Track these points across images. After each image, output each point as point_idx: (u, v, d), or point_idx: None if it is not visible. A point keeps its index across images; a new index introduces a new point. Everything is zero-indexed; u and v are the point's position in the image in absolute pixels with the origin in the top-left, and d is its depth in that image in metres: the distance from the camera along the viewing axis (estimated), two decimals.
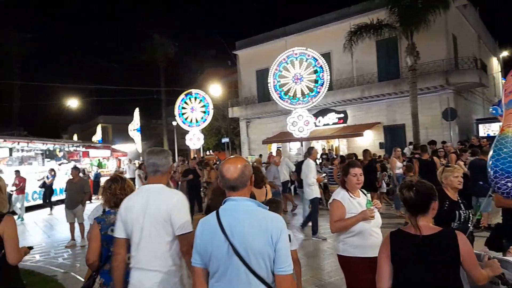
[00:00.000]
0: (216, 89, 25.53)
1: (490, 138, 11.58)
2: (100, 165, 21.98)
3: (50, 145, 17.89)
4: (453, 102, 17.27)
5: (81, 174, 10.79)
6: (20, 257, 2.76)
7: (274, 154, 14.33)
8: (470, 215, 3.46)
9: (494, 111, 4.35)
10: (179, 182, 11.53)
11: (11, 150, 15.44)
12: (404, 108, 18.01)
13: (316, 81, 13.45)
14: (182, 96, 19.65)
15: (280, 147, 23.24)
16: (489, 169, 3.35)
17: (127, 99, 38.96)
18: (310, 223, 8.06)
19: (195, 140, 19.26)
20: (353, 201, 3.33)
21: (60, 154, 18.93)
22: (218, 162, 18.14)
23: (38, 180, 14.04)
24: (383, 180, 10.75)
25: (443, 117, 16.43)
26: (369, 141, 19.68)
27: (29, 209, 13.45)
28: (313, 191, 7.90)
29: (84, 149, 20.91)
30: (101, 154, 23.07)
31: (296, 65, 13.76)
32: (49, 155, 18.06)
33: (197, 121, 19.32)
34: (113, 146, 26.68)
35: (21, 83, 32.48)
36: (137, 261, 2.47)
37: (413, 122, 16.28)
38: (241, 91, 26.14)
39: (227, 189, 2.02)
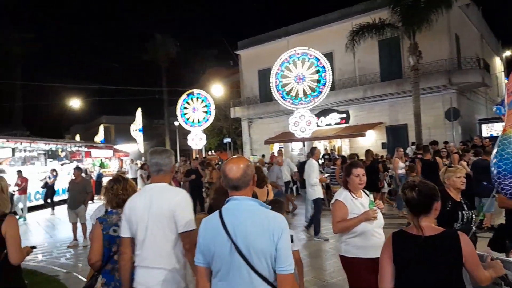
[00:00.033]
0: (218, 89, 25.53)
1: (493, 138, 11.53)
2: (102, 165, 22.02)
3: (52, 145, 17.93)
4: (456, 102, 17.21)
5: (83, 174, 10.83)
6: (22, 257, 2.77)
7: (276, 154, 14.33)
8: (473, 215, 3.45)
9: (498, 111, 4.32)
10: (181, 183, 11.54)
11: (13, 150, 15.48)
12: (406, 108, 17.96)
13: (318, 81, 13.44)
14: (184, 96, 19.68)
15: (282, 147, 23.23)
16: (493, 170, 3.33)
17: (129, 99, 39.02)
18: (313, 222, 8.02)
19: (197, 140, 19.28)
20: (356, 201, 3.32)
21: (63, 154, 18.97)
22: (220, 163, 18.15)
23: (40, 181, 14.07)
24: (384, 181, 10.73)
25: (445, 117, 16.38)
26: (372, 141, 19.64)
27: (31, 209, 13.49)
28: (316, 191, 7.87)
29: (86, 149, 20.95)
30: (103, 154, 23.12)
31: (298, 65, 13.75)
32: (52, 155, 18.11)
33: (199, 121, 19.34)
34: (115, 146, 26.74)
35: (23, 83, 32.58)
36: (142, 259, 2.51)
37: (415, 122, 16.23)
38: (243, 91, 26.13)
39: (229, 189, 2.03)
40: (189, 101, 19.50)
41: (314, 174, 7.82)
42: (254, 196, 2.13)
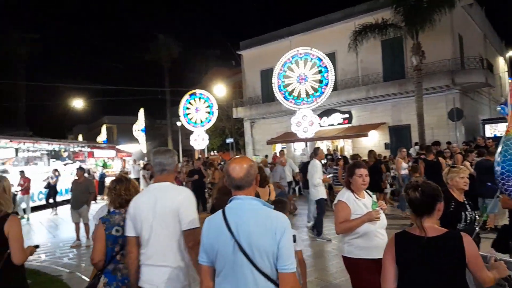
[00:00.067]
0: (220, 89, 25.55)
1: (496, 139, 11.49)
2: (105, 166, 22.08)
3: (55, 146, 18.00)
4: (459, 102, 17.14)
5: (86, 175, 10.84)
6: (25, 257, 2.77)
7: (278, 155, 14.30)
8: (476, 216, 3.43)
9: (502, 110, 4.30)
10: (184, 183, 11.55)
11: (17, 150, 15.55)
12: (409, 108, 17.91)
13: (320, 81, 13.42)
14: (186, 96, 19.71)
15: (284, 148, 23.21)
16: (496, 170, 3.32)
17: (132, 99, 39.13)
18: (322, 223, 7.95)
19: (199, 141, 19.31)
20: (359, 202, 3.31)
21: (65, 155, 19.03)
22: (222, 163, 18.16)
23: (43, 181, 14.11)
24: (386, 181, 10.69)
25: (449, 117, 16.32)
26: (374, 141, 19.60)
27: (34, 209, 13.53)
28: (319, 191, 7.84)
29: (89, 150, 21.02)
30: (106, 155, 23.18)
31: (300, 65, 13.74)
32: (55, 155, 18.17)
33: (201, 122, 19.37)
34: (117, 147, 26.79)
35: (26, 84, 32.72)
36: (147, 257, 2.55)
37: (418, 122, 16.19)
38: (246, 91, 26.13)
39: (233, 188, 2.05)
40: (192, 101, 19.53)
41: (317, 175, 7.78)
42: (257, 195, 2.14)
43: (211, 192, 10.35)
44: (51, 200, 13.84)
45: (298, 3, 67.23)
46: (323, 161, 14.18)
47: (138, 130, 27.53)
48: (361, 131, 19.42)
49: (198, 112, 19.40)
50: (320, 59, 13.46)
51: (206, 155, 21.58)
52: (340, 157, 13.19)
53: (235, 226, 1.91)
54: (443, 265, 2.01)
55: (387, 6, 16.52)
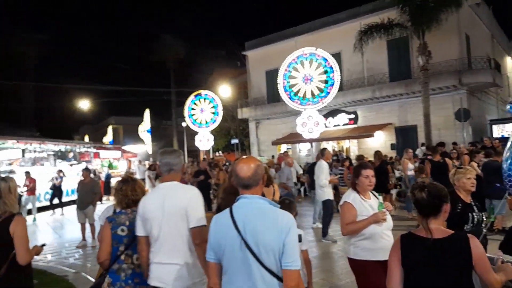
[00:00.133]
0: (225, 90, 25.58)
1: (504, 139, 11.38)
2: (110, 166, 22.17)
3: (62, 146, 18.12)
4: (466, 102, 17.01)
5: (92, 175, 10.89)
6: (30, 257, 2.78)
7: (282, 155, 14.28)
8: (483, 217, 3.39)
9: (511, 109, 4.26)
10: (189, 183, 11.56)
11: (23, 151, 15.67)
12: (416, 108, 17.80)
13: (326, 82, 13.37)
14: (191, 97, 19.75)
15: (289, 148, 23.18)
16: (504, 171, 3.28)
17: (138, 100, 39.29)
18: (329, 224, 7.87)
19: (204, 141, 19.33)
20: (365, 203, 3.29)
21: (71, 155, 19.14)
22: (227, 163, 18.17)
23: (48, 182, 14.18)
24: (390, 181, 10.61)
25: (456, 117, 16.20)
26: (380, 142, 19.51)
27: (40, 209, 13.61)
28: (325, 192, 7.80)
29: (95, 150, 21.13)
30: (112, 155, 23.28)
31: (306, 65, 13.70)
32: (61, 156, 18.29)
33: (206, 122, 19.39)
34: (123, 147, 26.90)
35: (33, 84, 32.98)
36: (156, 255, 2.61)
37: (425, 123, 16.09)
38: (251, 92, 26.14)
39: (240, 187, 2.10)
40: (197, 102, 19.57)
41: (323, 176, 7.73)
42: (262, 195, 2.16)
43: (216, 193, 10.38)
44: (55, 201, 13.88)
45: (304, 3, 67.17)
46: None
47: (144, 131, 27.65)
48: (367, 131, 19.33)
49: (203, 112, 19.42)
50: (326, 59, 13.41)
51: (211, 156, 21.60)
52: (345, 157, 13.13)
53: (242, 224, 1.96)
54: (449, 267, 1.99)
55: (393, 6, 16.43)
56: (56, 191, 13.93)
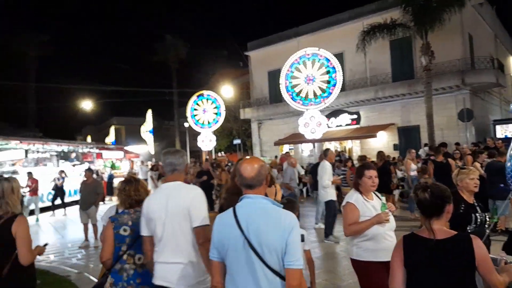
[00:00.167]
0: (227, 90, 25.57)
1: (507, 140, 11.33)
2: (113, 167, 22.21)
3: (64, 147, 18.16)
4: (469, 102, 16.95)
5: (94, 176, 10.90)
6: (32, 258, 2.78)
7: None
8: (487, 218, 3.37)
9: None
10: (192, 184, 11.55)
11: (26, 151, 15.70)
12: (418, 108, 17.75)
13: (328, 82, 13.36)
14: (194, 97, 19.76)
15: (292, 149, 23.16)
16: (508, 172, 3.26)
17: (140, 100, 39.35)
18: (333, 225, 7.85)
19: (207, 142, 19.34)
20: (367, 204, 3.28)
21: (73, 156, 19.18)
22: (229, 164, 18.16)
23: (50, 182, 14.20)
24: (392, 181, 10.57)
25: (459, 118, 16.13)
26: (383, 142, 19.47)
27: (43, 210, 13.65)
28: (328, 193, 7.77)
29: (97, 151, 21.17)
30: (114, 156, 23.31)
31: (308, 65, 13.69)
32: (64, 156, 18.34)
33: (209, 123, 19.39)
34: (126, 148, 26.95)
35: (36, 85, 33.09)
36: (160, 255, 2.62)
37: (428, 123, 16.04)
38: (253, 92, 26.14)
39: (244, 187, 2.12)
40: (199, 102, 19.57)
41: (326, 176, 7.69)
42: (265, 195, 2.17)
43: (219, 194, 10.38)
44: (57, 202, 13.89)
45: (306, 3, 67.15)
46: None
47: (146, 131, 27.71)
48: (369, 132, 19.29)
49: (205, 113, 19.43)
50: (328, 60, 13.40)
51: (213, 156, 21.61)
52: (348, 158, 13.08)
53: (245, 224, 1.98)
54: (452, 268, 1.98)
55: (395, 6, 16.42)
56: (58, 191, 13.95)
